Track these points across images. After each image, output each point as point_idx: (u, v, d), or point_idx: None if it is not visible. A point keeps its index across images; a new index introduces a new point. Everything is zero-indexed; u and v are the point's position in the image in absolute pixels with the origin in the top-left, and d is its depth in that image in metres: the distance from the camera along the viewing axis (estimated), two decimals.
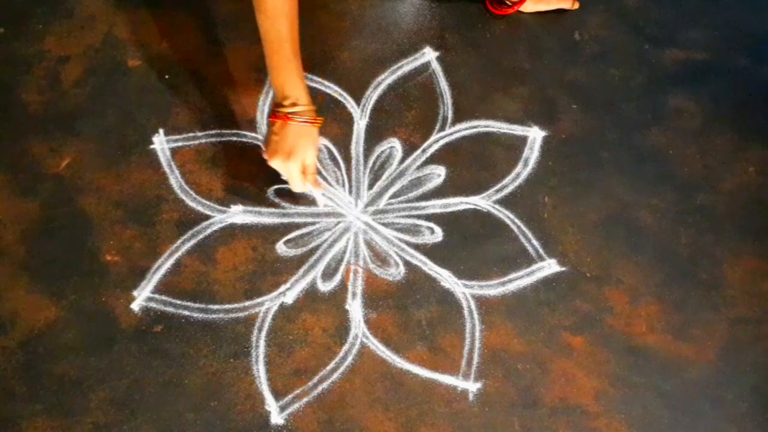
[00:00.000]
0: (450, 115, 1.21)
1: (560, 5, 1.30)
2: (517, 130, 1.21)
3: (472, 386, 1.03)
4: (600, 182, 1.18)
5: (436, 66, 1.25)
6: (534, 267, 1.11)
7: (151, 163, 1.15)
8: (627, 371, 1.05)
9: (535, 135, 1.21)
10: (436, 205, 1.15)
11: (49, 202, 1.11)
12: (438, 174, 1.17)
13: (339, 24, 1.28)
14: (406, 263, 1.10)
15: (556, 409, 1.03)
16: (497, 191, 1.16)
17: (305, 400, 1.01)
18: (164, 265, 1.08)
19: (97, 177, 1.13)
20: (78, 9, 1.26)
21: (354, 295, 1.08)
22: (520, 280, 1.10)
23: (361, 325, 1.06)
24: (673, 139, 1.22)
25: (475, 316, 1.07)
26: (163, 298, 1.06)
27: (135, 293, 1.06)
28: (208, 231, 1.11)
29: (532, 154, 1.19)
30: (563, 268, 1.11)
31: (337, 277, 1.09)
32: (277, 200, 1.13)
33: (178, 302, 1.06)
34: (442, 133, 1.20)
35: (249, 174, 1.15)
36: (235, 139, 1.17)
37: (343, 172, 1.16)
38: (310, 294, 1.08)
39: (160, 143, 1.16)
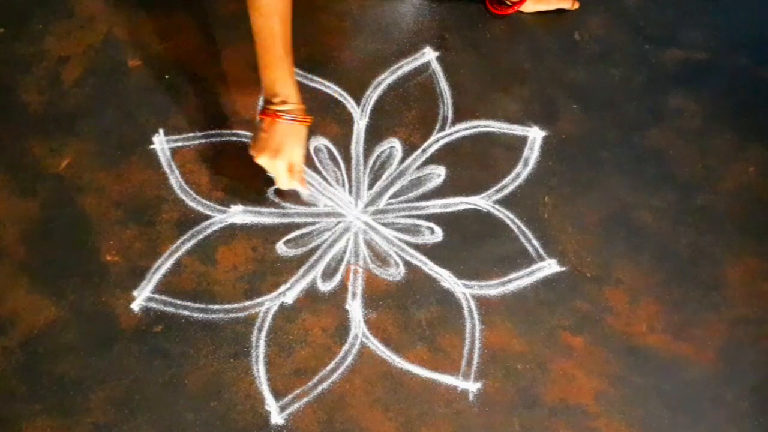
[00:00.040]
0: (450, 115, 1.21)
1: (560, 5, 1.30)
2: (517, 130, 1.21)
3: (472, 386, 1.03)
4: (600, 182, 1.18)
5: (436, 66, 1.25)
6: (534, 267, 1.11)
7: (151, 163, 1.15)
8: (627, 371, 1.05)
9: (535, 135, 1.21)
10: (436, 205, 1.15)
11: (49, 202, 1.11)
12: (438, 174, 1.17)
13: (339, 24, 1.28)
14: (406, 263, 1.10)
15: (556, 409, 1.03)
16: (497, 191, 1.16)
17: (305, 400, 1.01)
18: (164, 265, 1.08)
19: (97, 177, 1.13)
20: (78, 9, 1.26)
21: (354, 295, 1.08)
22: (520, 280, 1.10)
23: (361, 325, 1.06)
24: (673, 139, 1.22)
25: (475, 316, 1.07)
26: (163, 298, 1.06)
27: (135, 293, 1.06)
28: (208, 231, 1.11)
29: (532, 154, 1.19)
30: (563, 268, 1.11)
31: (337, 277, 1.09)
32: (277, 200, 1.13)
33: (178, 302, 1.06)
34: (442, 133, 1.20)
35: (249, 174, 1.15)
36: (234, 139, 1.17)
37: (343, 172, 1.16)
38: (310, 294, 1.08)
39: (160, 143, 1.16)
